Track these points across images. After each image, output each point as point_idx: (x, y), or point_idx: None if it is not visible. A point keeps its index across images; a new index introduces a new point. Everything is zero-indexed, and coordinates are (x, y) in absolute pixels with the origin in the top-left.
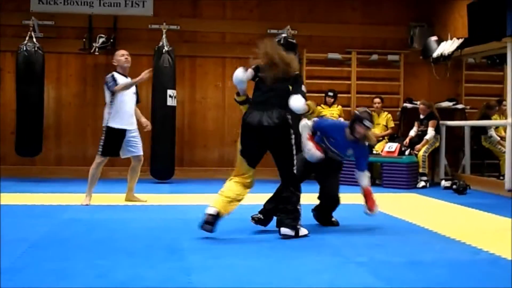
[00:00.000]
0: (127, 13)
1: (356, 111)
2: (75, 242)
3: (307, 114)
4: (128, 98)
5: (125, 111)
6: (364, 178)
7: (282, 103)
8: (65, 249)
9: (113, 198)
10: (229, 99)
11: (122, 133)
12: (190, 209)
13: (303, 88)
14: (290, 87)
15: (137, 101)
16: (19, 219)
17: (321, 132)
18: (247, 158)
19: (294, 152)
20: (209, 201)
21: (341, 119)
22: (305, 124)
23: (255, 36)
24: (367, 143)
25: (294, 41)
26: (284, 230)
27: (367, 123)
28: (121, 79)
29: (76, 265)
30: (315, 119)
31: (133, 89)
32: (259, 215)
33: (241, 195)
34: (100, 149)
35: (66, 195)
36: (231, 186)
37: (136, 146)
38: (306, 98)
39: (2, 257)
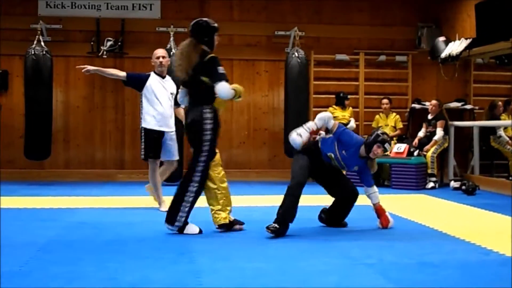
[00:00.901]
0: (135, 16)
1: (378, 133)
2: (83, 245)
3: (235, 98)
4: (157, 99)
5: (155, 112)
6: (374, 195)
7: (202, 97)
8: (74, 252)
9: (121, 201)
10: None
11: (156, 134)
12: (198, 212)
13: (220, 69)
14: (204, 78)
15: (176, 104)
16: (28, 223)
17: (338, 140)
18: None
19: (206, 147)
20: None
21: (352, 120)
22: (323, 118)
23: (263, 38)
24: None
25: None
26: (167, 226)
27: (387, 146)
28: (154, 80)
29: (85, 268)
30: (340, 124)
31: (169, 89)
32: (274, 224)
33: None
34: (142, 153)
35: (75, 198)
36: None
37: (169, 150)
38: (227, 79)
39: (11, 261)
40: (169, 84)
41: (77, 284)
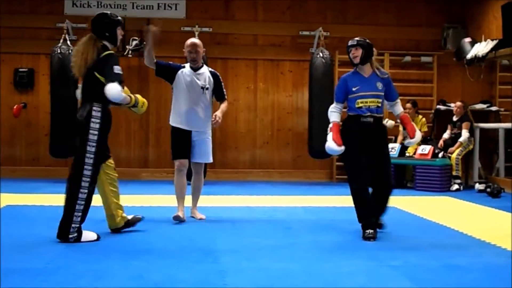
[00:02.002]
0: (160, 16)
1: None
2: (109, 243)
3: (128, 106)
4: (186, 94)
5: (182, 108)
6: (398, 105)
7: (94, 93)
8: (100, 250)
9: (146, 199)
10: (261, 101)
11: (182, 132)
12: (222, 211)
13: (116, 69)
14: (98, 75)
15: (218, 99)
16: (54, 220)
17: (345, 93)
18: None
19: (93, 148)
20: (242, 202)
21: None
22: (329, 112)
23: (287, 38)
24: (387, 75)
25: (106, 16)
26: (61, 241)
27: (350, 42)
28: (186, 73)
29: (111, 266)
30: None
31: (202, 83)
32: (371, 231)
33: None
34: (171, 152)
35: (99, 196)
36: None
37: (199, 151)
38: (121, 80)
39: (37, 258)
40: (202, 77)
41: (103, 282)
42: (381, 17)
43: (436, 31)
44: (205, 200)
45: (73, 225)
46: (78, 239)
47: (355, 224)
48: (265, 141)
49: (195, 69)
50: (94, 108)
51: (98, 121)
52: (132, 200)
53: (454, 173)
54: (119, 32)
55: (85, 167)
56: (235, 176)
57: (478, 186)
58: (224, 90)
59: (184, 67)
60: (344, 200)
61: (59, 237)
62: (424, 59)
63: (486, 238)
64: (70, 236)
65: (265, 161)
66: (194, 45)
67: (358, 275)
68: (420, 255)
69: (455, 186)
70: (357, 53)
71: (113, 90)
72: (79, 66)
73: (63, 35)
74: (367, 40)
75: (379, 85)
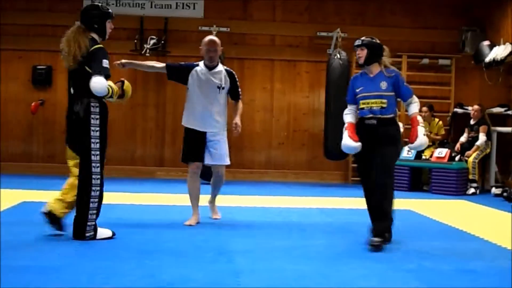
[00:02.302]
0: (178, 15)
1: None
2: (122, 242)
3: (106, 97)
4: (199, 93)
5: (195, 108)
6: (411, 106)
7: (89, 88)
8: (113, 248)
9: (161, 198)
10: (277, 101)
11: (195, 134)
12: (237, 211)
13: (105, 63)
14: (89, 69)
15: (233, 98)
16: (69, 218)
17: (354, 94)
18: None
19: (97, 145)
20: (257, 203)
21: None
22: (346, 111)
23: (305, 39)
24: (394, 74)
25: (95, 8)
26: (76, 234)
27: (356, 43)
28: (200, 72)
29: (124, 264)
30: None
31: (217, 83)
32: (377, 239)
33: None
34: (182, 154)
35: (114, 194)
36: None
37: (214, 153)
38: (108, 75)
39: (51, 255)
40: (218, 76)
41: (116, 281)
42: (399, 19)
43: (454, 33)
44: (220, 200)
45: (88, 223)
46: (94, 236)
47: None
48: (281, 141)
49: (210, 67)
50: (92, 103)
51: (97, 116)
52: (147, 199)
53: (470, 176)
54: (109, 25)
55: (93, 164)
56: (250, 176)
57: (494, 190)
58: (240, 89)
59: (197, 65)
60: (359, 202)
61: (76, 237)
62: (442, 61)
63: (501, 243)
64: (87, 234)
65: (280, 161)
66: (213, 43)
67: (371, 277)
68: (435, 259)
69: (472, 190)
70: (362, 53)
71: (97, 83)
72: (72, 56)
73: None
74: (375, 40)
75: (383, 85)
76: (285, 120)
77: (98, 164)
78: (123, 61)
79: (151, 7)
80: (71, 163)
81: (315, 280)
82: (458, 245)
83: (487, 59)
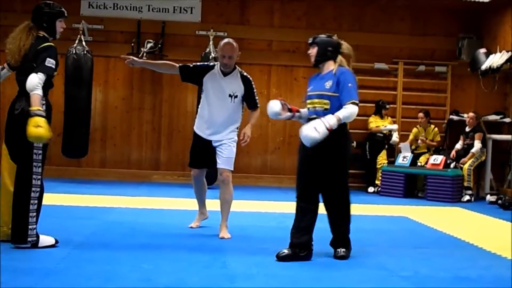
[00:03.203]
0: (175, 19)
1: None
2: (119, 245)
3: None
4: (210, 99)
5: (205, 114)
6: (342, 109)
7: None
8: (110, 251)
9: (157, 201)
10: None
11: (202, 140)
12: (232, 216)
13: (49, 62)
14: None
15: (249, 107)
16: (64, 220)
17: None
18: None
19: (39, 144)
20: (252, 207)
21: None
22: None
23: (302, 44)
24: (341, 72)
25: (46, 6)
26: (18, 245)
27: (309, 40)
28: (214, 76)
29: (120, 268)
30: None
31: (229, 90)
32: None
33: None
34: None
35: (111, 198)
36: None
37: (219, 156)
38: (50, 75)
39: (47, 258)
40: (231, 83)
41: (113, 284)
42: (396, 25)
43: (451, 41)
44: (214, 205)
45: (30, 227)
46: (36, 243)
47: (364, 232)
48: (277, 146)
49: (225, 73)
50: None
51: (44, 114)
52: (143, 202)
53: (465, 184)
54: (59, 25)
55: (34, 164)
56: (245, 181)
57: (489, 197)
58: (257, 97)
59: (213, 67)
60: (354, 209)
61: (16, 242)
62: (438, 68)
63: (496, 250)
64: (29, 239)
65: (276, 166)
66: (229, 49)
67: (367, 284)
68: (430, 266)
69: (466, 197)
70: (312, 51)
71: (30, 80)
72: (14, 53)
73: (79, 36)
74: (327, 37)
75: (328, 84)
76: (281, 125)
77: (40, 164)
78: (135, 59)
79: (149, 10)
80: (8, 165)
81: (310, 286)
82: (453, 252)
83: (483, 67)
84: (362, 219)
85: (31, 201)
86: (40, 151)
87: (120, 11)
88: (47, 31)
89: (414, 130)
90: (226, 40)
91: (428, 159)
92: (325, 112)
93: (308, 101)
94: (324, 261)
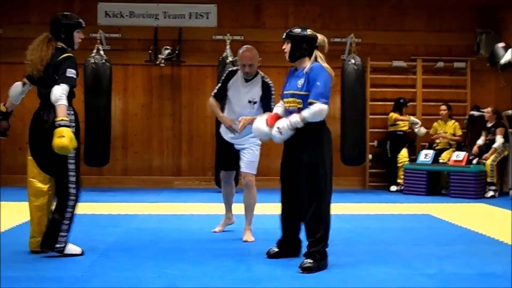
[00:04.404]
0: (192, 25)
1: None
2: (143, 252)
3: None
4: (233, 105)
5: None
6: (308, 108)
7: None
8: (134, 258)
9: (179, 207)
10: None
11: (226, 143)
12: (255, 219)
13: (70, 72)
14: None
15: (264, 109)
16: (89, 229)
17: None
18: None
19: (72, 154)
20: (275, 210)
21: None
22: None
23: None
24: (312, 68)
25: (63, 18)
26: (45, 250)
27: (283, 35)
28: (237, 81)
29: (145, 274)
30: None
31: (249, 96)
32: (275, 249)
33: None
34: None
35: (133, 205)
36: None
37: (242, 159)
38: (72, 85)
39: (73, 266)
40: (252, 90)
41: None
42: (412, 22)
43: (468, 36)
44: (237, 208)
45: (61, 234)
46: (63, 249)
47: (388, 232)
48: None
49: (247, 79)
50: (67, 111)
51: (73, 124)
52: (165, 208)
53: (488, 179)
54: (77, 35)
55: (70, 173)
56: (266, 184)
57: None
58: (273, 103)
59: (236, 72)
60: (377, 208)
61: (45, 246)
62: (457, 64)
63: None
64: (57, 245)
65: None
66: (249, 57)
67: (392, 283)
68: (455, 263)
69: (490, 193)
70: (286, 47)
71: (56, 92)
72: (36, 64)
73: (96, 45)
74: (302, 30)
75: (300, 83)
76: None
77: (74, 173)
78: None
79: (165, 17)
80: (38, 177)
81: (335, 286)
82: (478, 248)
83: (502, 61)
84: (386, 218)
85: (67, 209)
86: (73, 160)
87: (137, 19)
88: (65, 42)
89: (434, 124)
90: (244, 47)
91: (450, 155)
92: (298, 111)
93: (284, 100)
94: (348, 261)
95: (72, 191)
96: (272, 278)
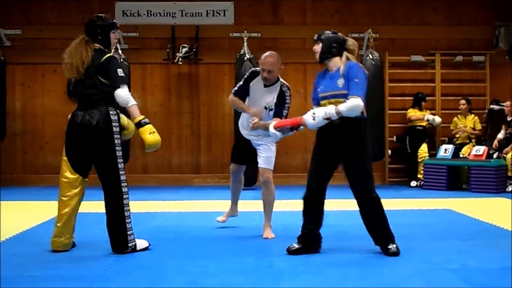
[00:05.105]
0: (209, 23)
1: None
2: (164, 249)
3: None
4: (253, 104)
5: (245, 120)
6: (343, 104)
7: (104, 97)
8: (156, 256)
9: (199, 205)
10: (310, 105)
11: (243, 139)
12: (275, 215)
13: (120, 72)
14: (103, 80)
15: (275, 115)
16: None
17: (316, 94)
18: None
19: (120, 152)
20: (295, 207)
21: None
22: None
23: None
24: (348, 66)
25: (98, 19)
26: (119, 252)
27: (314, 36)
28: (257, 83)
29: (166, 272)
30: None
31: (265, 100)
32: (296, 245)
33: None
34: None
35: (153, 203)
36: None
37: (259, 156)
38: (127, 83)
39: (96, 265)
40: (270, 96)
41: None
42: (431, 16)
43: (487, 29)
44: (256, 206)
45: (128, 233)
46: (135, 247)
47: (408, 226)
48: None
49: (265, 84)
50: (110, 112)
51: (116, 124)
52: (185, 206)
53: (509, 173)
54: (113, 36)
55: (120, 172)
56: (286, 181)
57: None
58: (286, 110)
59: (258, 74)
60: (398, 203)
61: (118, 250)
62: (476, 58)
63: None
64: (130, 244)
65: None
66: (271, 64)
67: (415, 278)
68: (477, 257)
69: (511, 187)
70: (317, 48)
71: (119, 96)
72: (77, 66)
73: (115, 44)
74: (332, 33)
75: (340, 83)
76: None
77: (123, 172)
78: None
79: (182, 15)
80: (71, 178)
81: (358, 282)
82: (499, 243)
83: None
84: (406, 214)
85: (125, 208)
86: (121, 160)
87: (154, 18)
88: (102, 43)
89: (454, 119)
90: (268, 53)
91: (470, 150)
92: None
93: (323, 102)
94: (370, 257)
95: (124, 189)
96: (293, 274)
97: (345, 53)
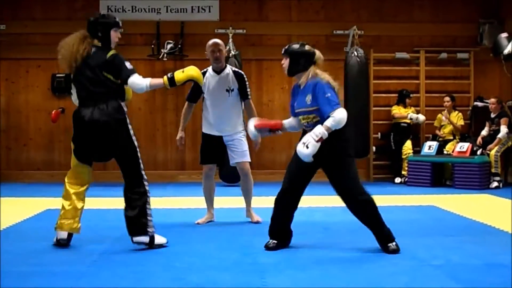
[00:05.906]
0: (194, 19)
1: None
2: None
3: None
4: (211, 99)
5: (208, 114)
6: (331, 117)
7: (114, 92)
8: (140, 252)
9: (184, 201)
10: None
11: (213, 138)
12: (259, 212)
13: (129, 65)
14: (109, 76)
15: (242, 98)
16: (94, 223)
17: (292, 107)
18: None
19: (136, 142)
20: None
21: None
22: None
23: (321, 38)
24: (313, 83)
25: (99, 17)
26: (138, 238)
27: (282, 50)
28: (209, 78)
29: (151, 268)
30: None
31: (225, 86)
32: (271, 242)
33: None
34: (200, 157)
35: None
36: None
37: (235, 151)
38: (136, 73)
39: (79, 260)
40: (226, 79)
41: (145, 284)
42: (416, 14)
43: (472, 26)
44: (242, 202)
45: (149, 219)
46: (153, 238)
47: (394, 223)
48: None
49: (218, 71)
50: (122, 104)
51: (126, 116)
52: (170, 202)
53: (493, 170)
54: (114, 34)
55: (140, 161)
56: (271, 177)
57: None
58: (249, 89)
59: (206, 72)
60: (382, 200)
61: (137, 234)
62: (460, 55)
63: None
64: (149, 229)
65: None
66: (215, 44)
67: (400, 275)
68: (462, 253)
69: (495, 184)
70: (285, 63)
71: (136, 80)
72: (70, 59)
73: None
74: (300, 46)
75: (308, 99)
76: None
77: (140, 159)
78: (180, 136)
79: (167, 11)
80: (82, 169)
81: (342, 279)
82: (484, 239)
83: (505, 51)
84: (390, 210)
85: (148, 194)
86: (137, 149)
87: (139, 13)
88: (102, 41)
89: (439, 116)
90: (210, 40)
91: (454, 147)
92: (317, 124)
93: (300, 117)
94: (355, 253)
95: (145, 176)
96: (278, 270)
97: (312, 68)
